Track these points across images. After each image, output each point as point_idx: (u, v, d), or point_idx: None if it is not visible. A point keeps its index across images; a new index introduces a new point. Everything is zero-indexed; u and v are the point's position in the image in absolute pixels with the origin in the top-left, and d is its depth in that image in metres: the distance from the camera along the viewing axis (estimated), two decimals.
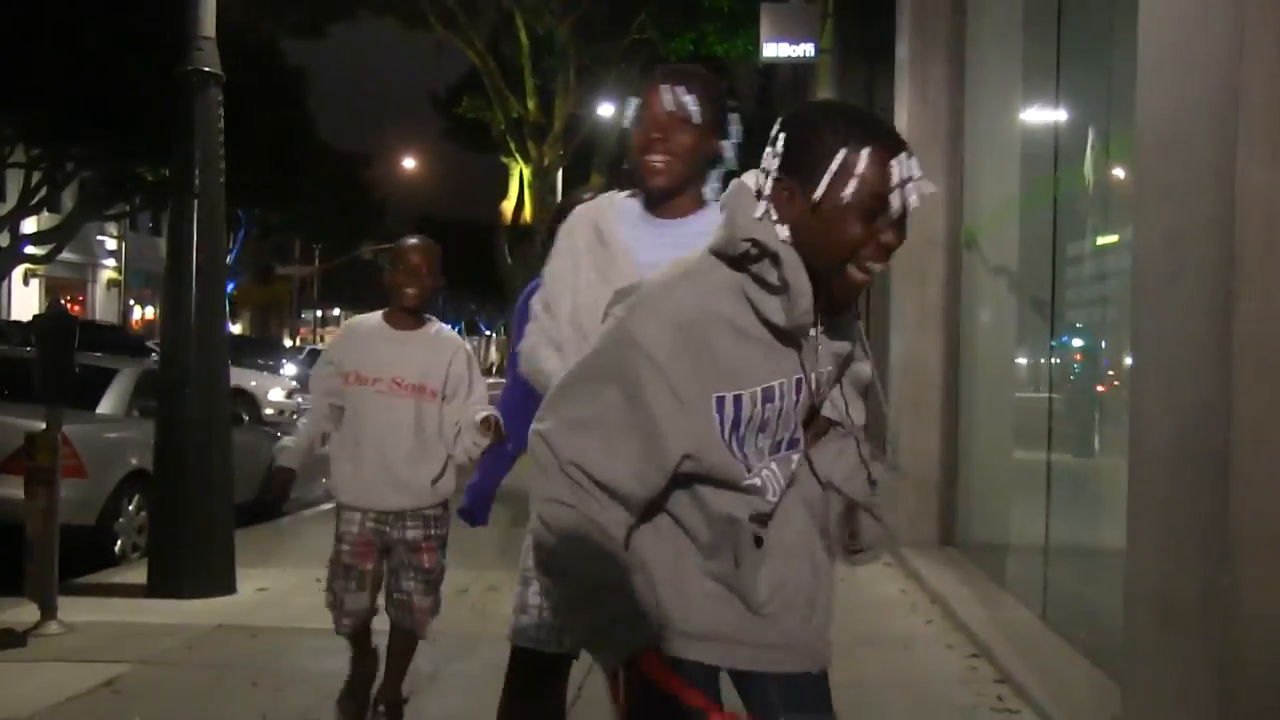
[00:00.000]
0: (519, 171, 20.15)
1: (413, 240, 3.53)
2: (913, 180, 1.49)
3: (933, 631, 5.23)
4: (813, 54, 12.00)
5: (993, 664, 4.57)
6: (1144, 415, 3.16)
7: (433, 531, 3.48)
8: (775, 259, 1.50)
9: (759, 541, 1.58)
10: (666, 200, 2.23)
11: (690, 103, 2.16)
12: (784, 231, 1.52)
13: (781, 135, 1.53)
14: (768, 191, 1.53)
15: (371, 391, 3.41)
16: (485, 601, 5.42)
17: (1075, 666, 4.35)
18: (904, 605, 5.73)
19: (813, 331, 1.55)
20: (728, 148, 2.25)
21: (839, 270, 1.52)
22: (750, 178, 1.59)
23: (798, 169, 1.51)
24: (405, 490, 3.41)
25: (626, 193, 2.31)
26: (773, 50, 12.06)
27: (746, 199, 1.56)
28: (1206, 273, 2.76)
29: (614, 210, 2.29)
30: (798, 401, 1.59)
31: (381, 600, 3.55)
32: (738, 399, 1.53)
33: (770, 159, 1.54)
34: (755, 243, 1.51)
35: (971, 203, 6.79)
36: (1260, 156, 2.59)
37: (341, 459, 3.45)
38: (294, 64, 26.06)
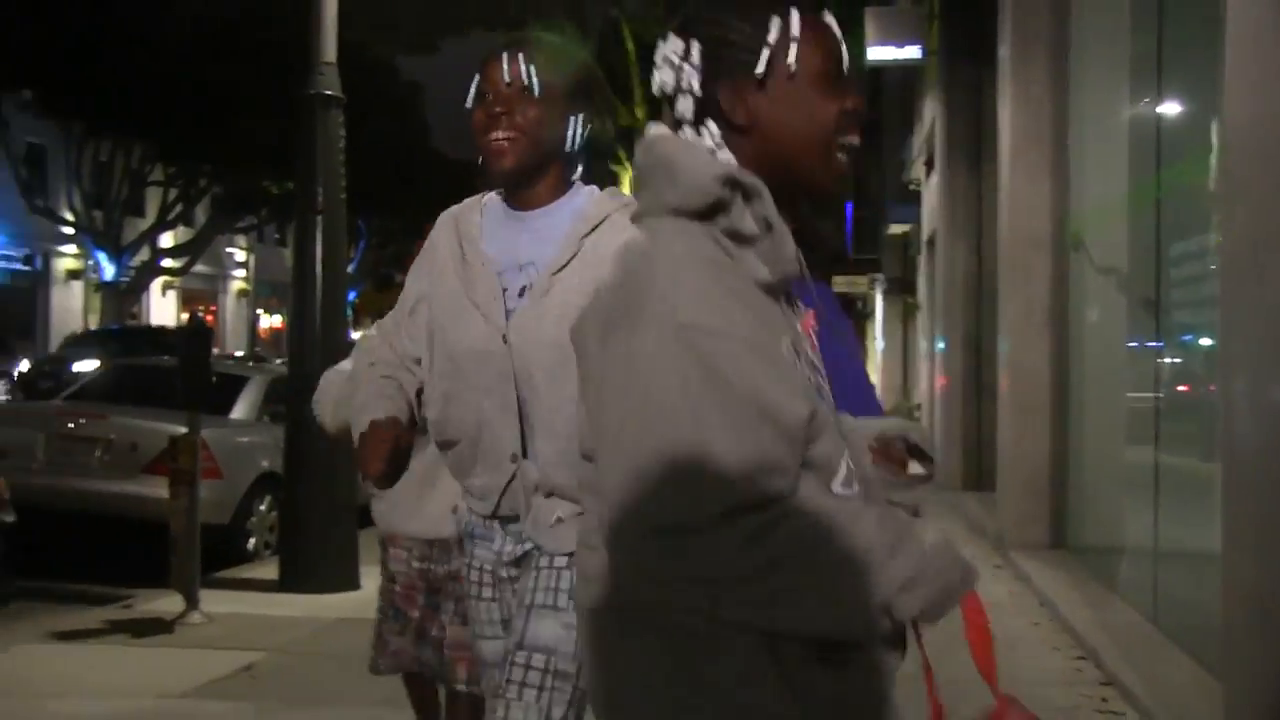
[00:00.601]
0: (628, 179, 20.45)
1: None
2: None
3: (1039, 633, 5.18)
4: (920, 56, 11.75)
5: (1099, 666, 4.53)
6: (1234, 417, 3.14)
7: None
8: (749, 195, 1.23)
9: None
10: (523, 187, 1.89)
11: (532, 72, 1.83)
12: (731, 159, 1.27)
13: (690, 45, 1.28)
14: (719, 107, 1.27)
15: None
16: None
17: (1183, 670, 4.28)
18: (1011, 607, 5.69)
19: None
20: (578, 124, 1.90)
21: (827, 159, 1.29)
22: (659, 126, 1.32)
23: (733, 70, 1.27)
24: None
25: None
26: (879, 53, 11.83)
27: (682, 143, 1.28)
28: None
29: (480, 211, 1.96)
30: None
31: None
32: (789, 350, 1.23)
33: (689, 79, 1.28)
34: (730, 181, 1.22)
35: (1076, 203, 6.70)
36: None
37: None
38: (409, 78, 26.90)
